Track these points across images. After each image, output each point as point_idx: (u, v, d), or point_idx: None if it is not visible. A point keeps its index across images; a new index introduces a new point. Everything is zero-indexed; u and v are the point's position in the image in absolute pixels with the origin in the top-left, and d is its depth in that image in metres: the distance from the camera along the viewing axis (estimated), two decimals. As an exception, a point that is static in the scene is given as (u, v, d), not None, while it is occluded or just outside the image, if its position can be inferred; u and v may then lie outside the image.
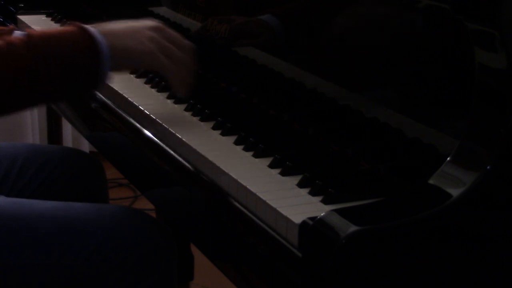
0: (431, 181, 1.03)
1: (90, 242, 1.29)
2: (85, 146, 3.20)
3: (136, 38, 1.32)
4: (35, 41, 1.24)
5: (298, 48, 1.46)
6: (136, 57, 1.32)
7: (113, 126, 1.55)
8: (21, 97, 1.25)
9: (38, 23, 2.09)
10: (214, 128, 1.36)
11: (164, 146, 1.35)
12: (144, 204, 2.68)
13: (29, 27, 2.04)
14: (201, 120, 1.40)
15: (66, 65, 1.26)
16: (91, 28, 1.28)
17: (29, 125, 3.17)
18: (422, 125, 1.17)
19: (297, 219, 1.01)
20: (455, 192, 0.99)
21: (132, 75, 1.65)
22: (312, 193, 1.10)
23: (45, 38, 1.26)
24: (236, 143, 1.29)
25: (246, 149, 1.26)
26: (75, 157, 1.68)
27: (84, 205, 1.37)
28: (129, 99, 1.49)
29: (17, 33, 1.26)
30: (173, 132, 1.33)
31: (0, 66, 1.20)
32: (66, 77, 1.26)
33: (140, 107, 1.44)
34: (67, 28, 1.29)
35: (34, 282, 1.29)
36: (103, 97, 1.59)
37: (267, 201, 1.08)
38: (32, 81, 1.22)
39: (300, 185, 1.13)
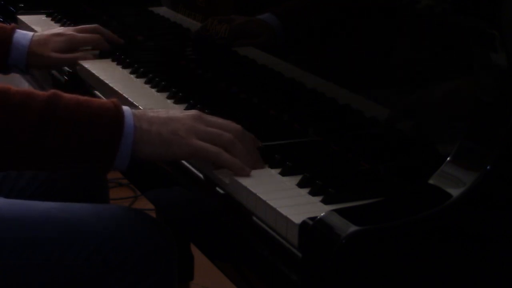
0: (431, 181, 1.03)
1: (90, 242, 1.29)
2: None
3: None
4: (58, 102, 1.17)
5: (298, 48, 1.46)
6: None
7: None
8: (19, 155, 1.17)
9: (38, 23, 2.09)
10: (214, 127, 1.35)
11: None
12: (144, 204, 2.68)
13: (29, 27, 2.04)
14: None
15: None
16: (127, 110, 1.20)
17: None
18: (422, 125, 1.17)
19: (297, 219, 1.01)
20: (455, 192, 0.99)
21: (132, 75, 1.65)
22: (312, 193, 1.10)
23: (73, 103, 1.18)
24: (236, 143, 1.29)
25: (246, 149, 1.26)
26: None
27: (84, 205, 1.37)
28: (130, 99, 1.49)
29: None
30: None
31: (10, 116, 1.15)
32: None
33: (140, 107, 1.44)
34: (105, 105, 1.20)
35: (34, 282, 1.29)
36: (103, 98, 1.59)
37: (267, 201, 1.07)
38: (37, 137, 1.15)
39: (300, 185, 1.13)
